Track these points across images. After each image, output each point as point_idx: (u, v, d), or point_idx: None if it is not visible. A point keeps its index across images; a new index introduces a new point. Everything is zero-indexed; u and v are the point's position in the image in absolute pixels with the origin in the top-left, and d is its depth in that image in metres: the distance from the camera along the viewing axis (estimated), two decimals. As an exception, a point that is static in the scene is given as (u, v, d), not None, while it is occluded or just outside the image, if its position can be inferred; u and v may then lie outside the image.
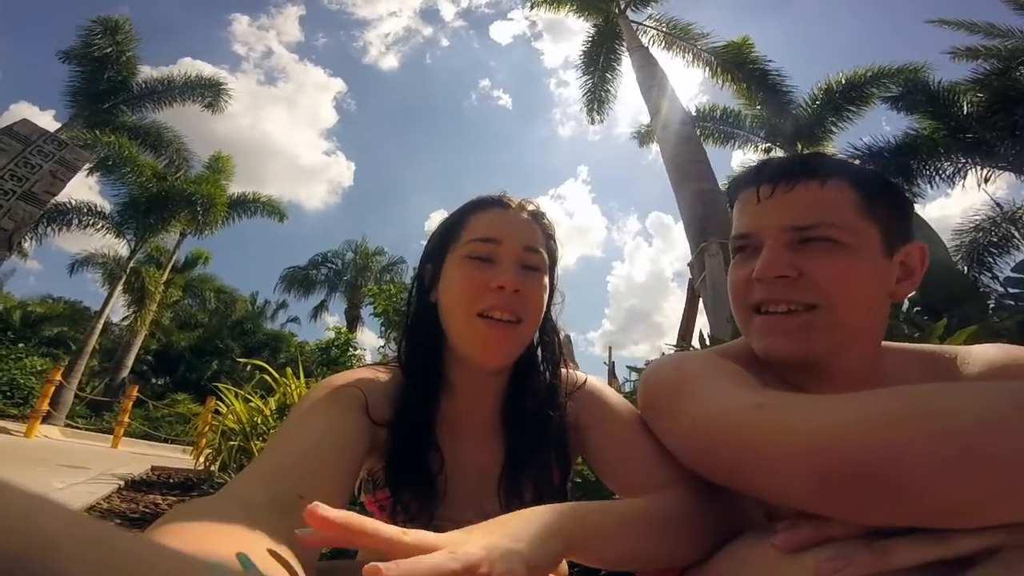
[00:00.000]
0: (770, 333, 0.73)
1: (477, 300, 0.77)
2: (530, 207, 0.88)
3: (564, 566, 1.00)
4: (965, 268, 10.61)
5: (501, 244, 0.80)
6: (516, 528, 0.50)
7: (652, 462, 0.73)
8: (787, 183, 0.72)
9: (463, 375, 0.84)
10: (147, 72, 15.22)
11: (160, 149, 15.19)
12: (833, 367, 0.72)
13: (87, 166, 12.73)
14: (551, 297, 0.87)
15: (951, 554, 0.44)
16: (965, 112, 11.09)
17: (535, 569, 0.48)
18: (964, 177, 11.57)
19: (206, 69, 17.83)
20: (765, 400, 0.58)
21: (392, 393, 0.80)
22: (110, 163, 13.77)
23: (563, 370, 0.89)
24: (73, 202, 14.48)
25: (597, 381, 0.90)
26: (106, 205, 15.22)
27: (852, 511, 0.48)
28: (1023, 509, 0.42)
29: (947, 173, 11.60)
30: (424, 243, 0.94)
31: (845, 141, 12.50)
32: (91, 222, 14.70)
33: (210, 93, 15.72)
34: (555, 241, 0.90)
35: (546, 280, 0.84)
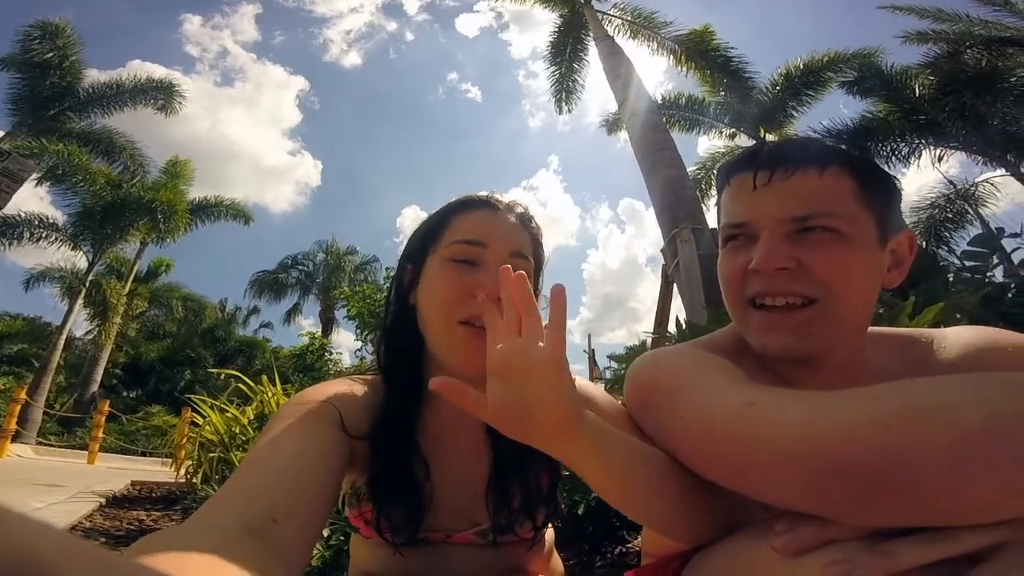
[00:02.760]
0: (770, 329, 0.71)
1: (459, 307, 0.74)
2: (519, 209, 0.84)
3: (559, 562, 1.02)
4: (924, 243, 11.03)
5: (486, 248, 0.77)
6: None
7: None
8: (785, 170, 0.69)
9: None
10: (95, 76, 14.65)
11: (113, 155, 14.62)
12: (824, 358, 0.72)
13: (35, 176, 12.19)
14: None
15: (955, 552, 0.43)
16: (917, 95, 11.50)
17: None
18: (919, 157, 12.05)
19: (157, 71, 17.19)
20: (756, 398, 0.56)
21: (369, 405, 0.77)
22: (60, 172, 13.19)
23: None
24: (23, 214, 13.82)
25: (584, 382, 0.87)
26: (59, 216, 14.61)
27: (850, 513, 0.47)
28: None
29: (902, 154, 12.04)
30: (398, 240, 0.90)
31: (805, 125, 12.88)
32: (44, 235, 14.03)
33: (162, 95, 15.15)
34: (542, 247, 0.88)
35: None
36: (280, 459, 0.58)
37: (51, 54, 13.22)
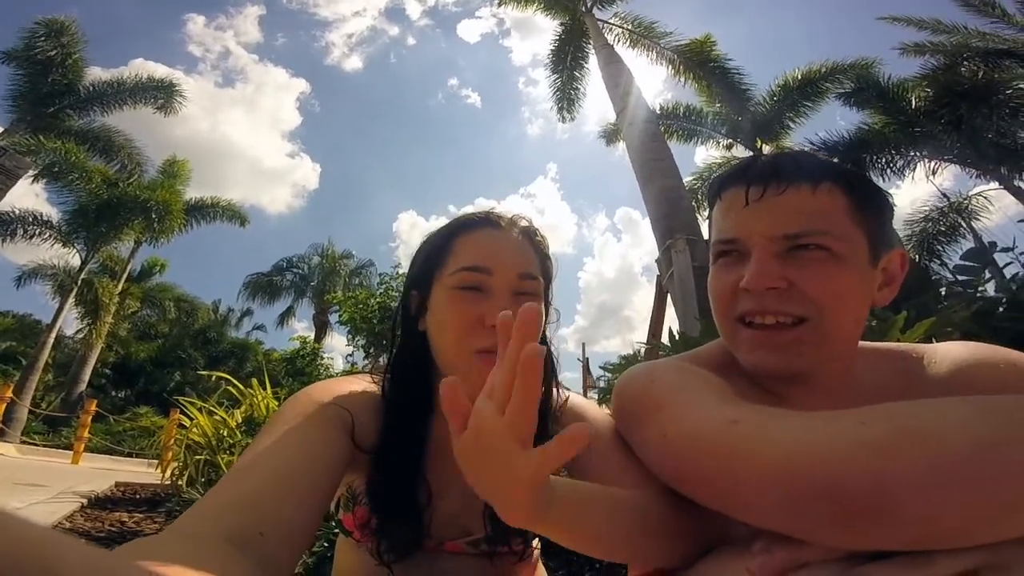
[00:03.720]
0: (759, 347, 0.70)
1: (473, 337, 0.72)
2: (522, 223, 0.82)
3: (543, 571, 1.00)
4: (916, 257, 11.10)
5: (492, 274, 0.74)
6: None
7: (634, 474, 0.71)
8: (777, 186, 0.68)
9: None
10: (96, 74, 14.70)
11: (111, 154, 14.64)
12: (814, 375, 0.71)
13: (31, 173, 12.15)
14: (546, 317, 0.82)
15: None
16: (913, 106, 11.56)
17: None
18: (913, 170, 12.10)
19: (159, 71, 17.20)
20: (741, 416, 0.55)
21: (380, 412, 0.75)
22: (56, 169, 13.17)
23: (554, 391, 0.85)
24: (17, 211, 13.77)
25: (579, 399, 0.87)
26: (54, 213, 14.56)
27: (827, 535, 0.47)
28: (1008, 530, 0.41)
29: (897, 166, 12.10)
30: (394, 245, 0.88)
31: (802, 136, 12.89)
32: (37, 231, 14.01)
33: (162, 95, 15.19)
34: (550, 259, 0.85)
35: (541, 307, 0.80)
36: (274, 465, 0.56)
37: (54, 52, 13.26)
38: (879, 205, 0.71)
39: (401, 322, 0.84)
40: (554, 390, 0.85)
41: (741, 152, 13.30)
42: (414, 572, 0.79)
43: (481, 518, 0.80)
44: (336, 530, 0.91)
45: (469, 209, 0.84)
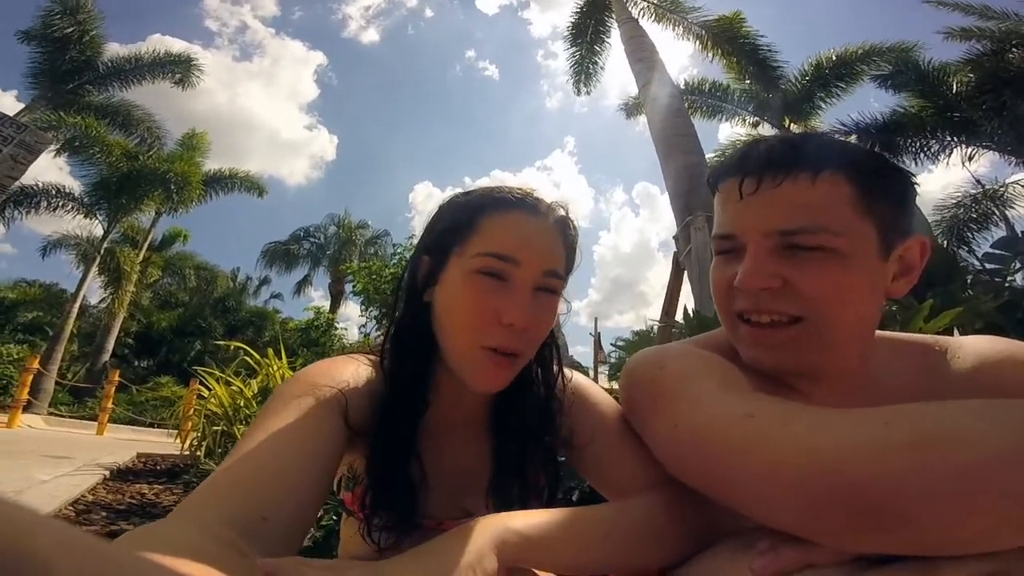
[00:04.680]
0: (756, 345, 0.68)
1: (484, 332, 0.68)
2: (559, 212, 0.74)
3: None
4: (945, 243, 10.82)
5: (520, 265, 0.68)
6: (438, 564, 0.51)
7: (637, 464, 0.70)
8: (774, 178, 0.63)
9: (453, 385, 0.75)
10: (115, 50, 14.81)
11: (130, 128, 14.84)
12: (825, 369, 0.69)
13: (53, 147, 12.46)
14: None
15: None
16: (954, 91, 11.19)
17: None
18: (949, 155, 11.74)
19: (176, 45, 17.21)
20: (757, 409, 0.53)
21: (375, 393, 0.72)
22: (77, 144, 13.41)
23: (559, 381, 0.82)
24: (40, 184, 14.10)
25: (582, 382, 0.84)
26: (76, 186, 14.89)
27: (842, 539, 0.46)
28: None
29: (932, 150, 11.76)
30: (410, 215, 0.84)
31: (833, 117, 12.63)
32: (60, 203, 14.35)
33: (179, 69, 15.35)
34: (575, 253, 0.79)
35: (559, 303, 0.75)
36: (274, 449, 0.55)
37: (71, 29, 13.37)
38: (894, 190, 0.66)
39: (407, 287, 0.79)
40: (559, 379, 0.82)
41: (767, 130, 13.04)
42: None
43: (484, 497, 0.78)
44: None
45: (485, 182, 0.78)
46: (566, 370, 0.84)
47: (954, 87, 11.24)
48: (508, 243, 0.69)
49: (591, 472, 0.78)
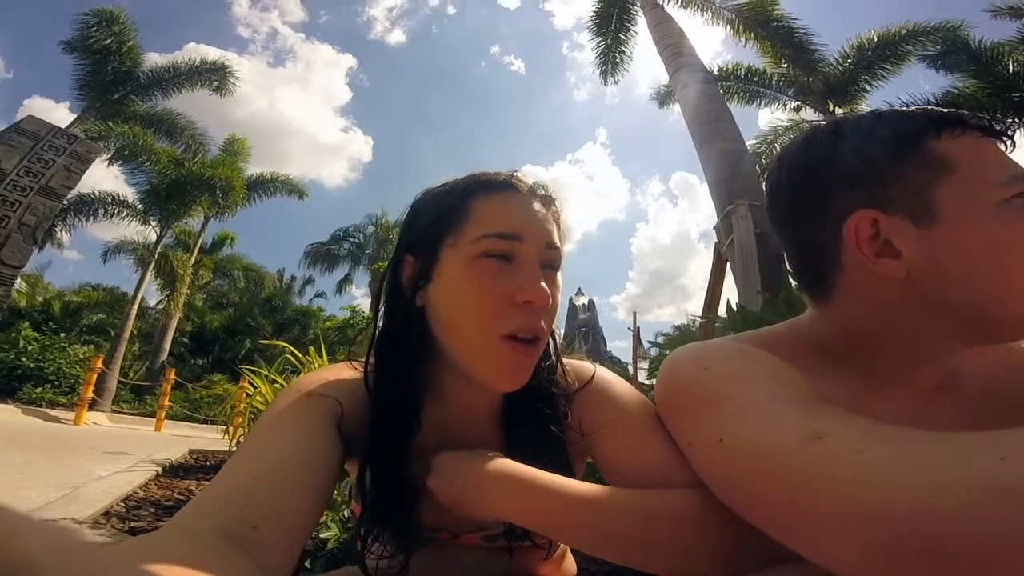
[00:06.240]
0: None
1: (501, 318, 0.64)
2: (541, 191, 0.72)
3: (572, 564, 0.94)
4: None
5: (524, 242, 0.65)
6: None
7: (668, 467, 0.61)
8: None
9: (458, 385, 0.71)
10: (154, 60, 15.38)
11: (175, 136, 15.42)
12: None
13: (104, 157, 13.08)
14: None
15: None
16: (1011, 71, 10.66)
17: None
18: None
19: (212, 53, 17.86)
20: (827, 429, 0.44)
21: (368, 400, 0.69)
22: (127, 153, 14.03)
23: (565, 365, 0.77)
24: (97, 192, 14.99)
25: (606, 374, 0.77)
26: (131, 193, 15.68)
27: None
28: None
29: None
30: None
31: (880, 99, 12.20)
32: (116, 211, 15.20)
33: (216, 77, 15.75)
34: (561, 227, 0.75)
35: (559, 279, 0.71)
36: (266, 456, 0.53)
37: (109, 40, 13.82)
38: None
39: (389, 293, 0.74)
40: (564, 367, 0.77)
41: (810, 115, 12.50)
42: (433, 564, 0.75)
43: None
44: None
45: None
46: (588, 362, 0.80)
47: (1011, 67, 10.67)
48: (508, 220, 0.67)
49: (604, 463, 0.71)
